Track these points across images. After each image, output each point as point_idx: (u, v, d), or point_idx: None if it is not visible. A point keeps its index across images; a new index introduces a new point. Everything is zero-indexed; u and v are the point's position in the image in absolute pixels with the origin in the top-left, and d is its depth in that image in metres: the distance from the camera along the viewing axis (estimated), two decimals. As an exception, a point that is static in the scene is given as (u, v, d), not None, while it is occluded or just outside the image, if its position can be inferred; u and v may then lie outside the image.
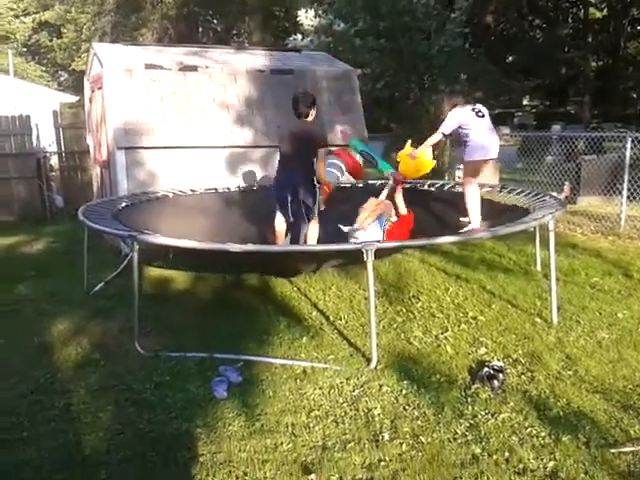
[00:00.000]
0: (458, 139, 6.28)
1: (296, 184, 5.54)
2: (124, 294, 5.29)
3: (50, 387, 3.83)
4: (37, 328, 4.85)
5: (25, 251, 7.83)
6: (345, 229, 5.89)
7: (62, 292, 5.80)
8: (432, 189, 6.98)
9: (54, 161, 11.53)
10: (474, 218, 5.95)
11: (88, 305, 5.41)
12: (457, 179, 9.67)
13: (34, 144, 10.81)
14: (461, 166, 10.20)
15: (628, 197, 8.11)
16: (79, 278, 5.81)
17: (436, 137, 6.04)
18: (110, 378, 3.93)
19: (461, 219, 6.08)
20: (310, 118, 5.58)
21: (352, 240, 5.68)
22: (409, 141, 6.31)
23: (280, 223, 5.84)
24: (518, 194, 6.19)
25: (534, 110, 33.28)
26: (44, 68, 35.24)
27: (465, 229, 5.89)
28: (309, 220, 5.69)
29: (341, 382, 3.82)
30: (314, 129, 5.65)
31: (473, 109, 5.99)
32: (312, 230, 5.73)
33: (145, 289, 5.22)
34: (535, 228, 5.83)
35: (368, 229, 5.82)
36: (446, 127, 5.95)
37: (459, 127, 5.92)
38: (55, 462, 2.99)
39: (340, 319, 5.00)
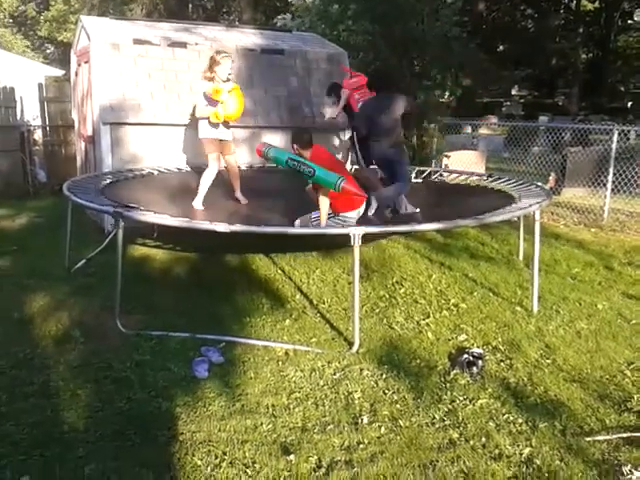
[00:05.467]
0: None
1: None
2: (106, 272, 5.26)
3: (29, 363, 3.81)
4: (17, 303, 4.81)
5: (6, 226, 7.72)
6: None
7: (43, 268, 5.73)
8: (419, 179, 7.02)
9: (38, 135, 11.35)
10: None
11: (69, 282, 5.36)
12: (444, 166, 9.69)
13: (18, 117, 10.62)
14: (450, 154, 10.27)
15: (612, 190, 8.19)
16: (61, 254, 5.74)
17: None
18: (90, 356, 3.91)
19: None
20: None
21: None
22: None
23: None
24: (504, 183, 6.21)
25: (522, 100, 33.32)
26: (30, 40, 34.52)
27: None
28: None
29: (322, 365, 3.83)
30: None
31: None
32: None
33: (128, 267, 5.17)
34: (520, 218, 5.87)
35: None
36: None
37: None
38: (33, 438, 2.98)
39: (323, 303, 5.01)
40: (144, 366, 3.78)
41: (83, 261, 5.83)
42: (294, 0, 12.64)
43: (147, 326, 4.37)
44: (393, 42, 9.52)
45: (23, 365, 3.77)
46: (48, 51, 37.24)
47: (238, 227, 4.40)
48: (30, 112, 11.31)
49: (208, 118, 5.68)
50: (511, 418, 3.22)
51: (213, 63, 5.63)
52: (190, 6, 31.32)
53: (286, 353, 4.01)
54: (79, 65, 8.20)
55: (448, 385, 3.59)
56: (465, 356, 3.83)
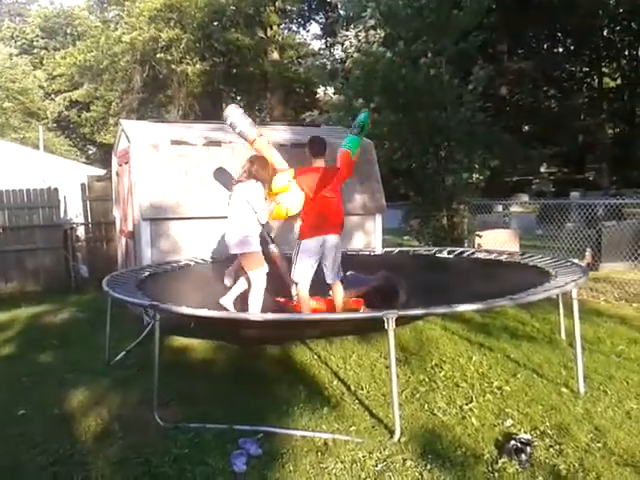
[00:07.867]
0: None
1: None
2: (144, 364, 5.29)
3: (69, 459, 3.80)
4: (57, 398, 4.85)
5: (49, 320, 7.90)
6: None
7: (83, 362, 5.82)
8: (450, 256, 7.02)
9: (80, 232, 11.81)
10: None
11: (108, 375, 5.41)
12: (477, 246, 9.68)
13: (62, 216, 11.11)
14: (482, 233, 10.28)
15: (651, 263, 8.03)
16: (101, 347, 5.83)
17: None
18: (129, 450, 3.88)
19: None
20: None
21: None
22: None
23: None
24: (539, 261, 6.16)
25: (552, 177, 33.48)
26: (72, 142, 36.69)
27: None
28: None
29: (363, 456, 3.72)
30: None
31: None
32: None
33: (165, 358, 5.22)
34: (558, 295, 5.77)
35: None
36: None
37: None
38: (72, 538, 2.94)
39: (361, 389, 4.93)
40: (182, 460, 3.73)
41: (122, 354, 5.89)
42: (321, 97, 13.27)
43: (185, 418, 4.34)
44: (417, 130, 9.84)
45: (63, 461, 3.76)
46: (90, 152, 39.37)
47: (270, 316, 4.47)
48: (73, 210, 11.83)
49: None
50: (565, 508, 3.06)
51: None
52: (224, 105, 33.03)
53: (325, 443, 3.92)
54: (120, 165, 8.64)
55: (496, 474, 3.44)
56: (512, 443, 3.68)
